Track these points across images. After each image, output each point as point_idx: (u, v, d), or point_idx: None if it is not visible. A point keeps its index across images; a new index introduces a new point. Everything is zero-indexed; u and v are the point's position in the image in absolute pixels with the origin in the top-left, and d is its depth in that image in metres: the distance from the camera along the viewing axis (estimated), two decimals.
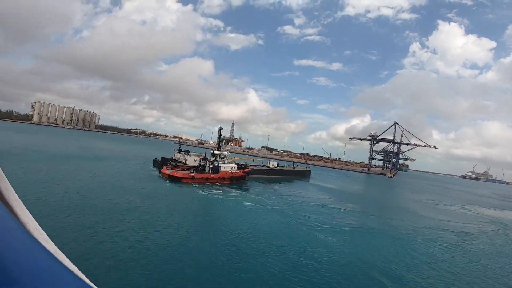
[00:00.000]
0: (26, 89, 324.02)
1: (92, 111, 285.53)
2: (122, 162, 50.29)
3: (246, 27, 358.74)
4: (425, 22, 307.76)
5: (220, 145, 43.21)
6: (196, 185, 34.50)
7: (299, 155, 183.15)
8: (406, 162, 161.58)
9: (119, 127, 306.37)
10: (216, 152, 40.68)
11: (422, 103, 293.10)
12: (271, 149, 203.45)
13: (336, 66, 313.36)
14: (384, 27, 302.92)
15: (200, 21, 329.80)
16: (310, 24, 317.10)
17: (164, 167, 39.58)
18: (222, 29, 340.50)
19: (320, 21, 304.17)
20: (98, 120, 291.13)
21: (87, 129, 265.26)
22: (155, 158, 50.72)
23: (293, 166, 67.98)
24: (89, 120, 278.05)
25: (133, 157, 63.34)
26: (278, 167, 59.41)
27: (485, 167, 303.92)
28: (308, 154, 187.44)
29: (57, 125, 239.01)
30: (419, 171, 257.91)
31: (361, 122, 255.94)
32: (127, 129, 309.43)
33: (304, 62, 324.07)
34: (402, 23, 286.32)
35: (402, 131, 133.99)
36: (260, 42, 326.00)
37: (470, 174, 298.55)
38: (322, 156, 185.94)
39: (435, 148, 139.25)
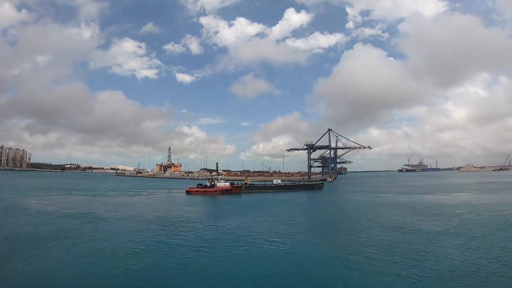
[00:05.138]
0: None
1: (23, 149, 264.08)
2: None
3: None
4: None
5: (218, 171, 65.50)
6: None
7: (239, 173, 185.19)
8: (344, 165, 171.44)
9: (52, 163, 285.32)
10: (214, 177, 62.92)
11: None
12: (211, 170, 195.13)
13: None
14: None
15: None
16: None
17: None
18: None
19: None
20: (29, 158, 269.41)
21: (18, 168, 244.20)
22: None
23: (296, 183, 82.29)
24: (19, 159, 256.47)
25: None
26: (282, 183, 73.76)
27: (419, 158, 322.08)
28: (248, 171, 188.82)
29: None
30: (358, 171, 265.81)
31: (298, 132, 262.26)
32: (61, 165, 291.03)
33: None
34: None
35: (337, 137, 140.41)
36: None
37: (406, 167, 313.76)
38: (262, 171, 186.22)
39: (370, 148, 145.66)
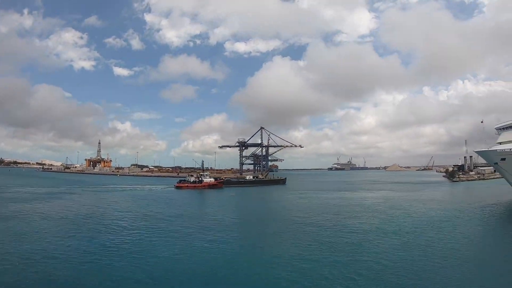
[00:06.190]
0: None
1: None
2: None
3: None
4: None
5: (204, 169, 76.57)
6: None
7: (171, 169, 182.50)
8: (276, 163, 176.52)
9: None
10: (201, 173, 73.98)
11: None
12: (142, 166, 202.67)
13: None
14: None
15: None
16: None
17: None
18: None
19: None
20: None
21: None
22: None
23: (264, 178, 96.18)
24: None
25: None
26: (254, 179, 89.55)
27: (348, 158, 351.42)
28: (180, 167, 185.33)
29: None
30: (290, 169, 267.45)
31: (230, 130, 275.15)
32: None
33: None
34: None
35: (269, 135, 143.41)
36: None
37: (335, 165, 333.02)
38: (194, 168, 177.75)
39: (301, 147, 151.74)
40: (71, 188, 71.65)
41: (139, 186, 77.26)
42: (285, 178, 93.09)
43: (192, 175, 76.89)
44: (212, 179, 75.11)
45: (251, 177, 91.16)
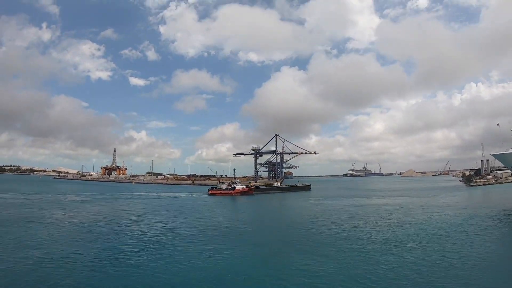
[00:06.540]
0: None
1: None
2: None
3: None
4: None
5: (235, 177, 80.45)
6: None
7: (185, 177, 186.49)
8: (291, 170, 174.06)
9: None
10: (233, 181, 77.75)
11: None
12: (157, 174, 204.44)
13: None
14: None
15: None
16: None
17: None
18: None
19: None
20: None
21: None
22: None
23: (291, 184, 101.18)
24: None
25: None
26: (282, 186, 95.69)
27: (363, 164, 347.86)
28: (194, 175, 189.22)
29: None
30: (304, 176, 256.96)
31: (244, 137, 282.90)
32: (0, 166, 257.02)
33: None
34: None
35: (283, 142, 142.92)
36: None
37: (350, 172, 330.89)
38: (208, 175, 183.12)
39: (315, 153, 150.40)
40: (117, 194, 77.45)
41: (170, 194, 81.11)
42: (310, 185, 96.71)
43: (223, 183, 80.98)
44: (244, 186, 78.83)
45: (279, 184, 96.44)
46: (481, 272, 17.09)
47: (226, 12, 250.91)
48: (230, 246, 23.76)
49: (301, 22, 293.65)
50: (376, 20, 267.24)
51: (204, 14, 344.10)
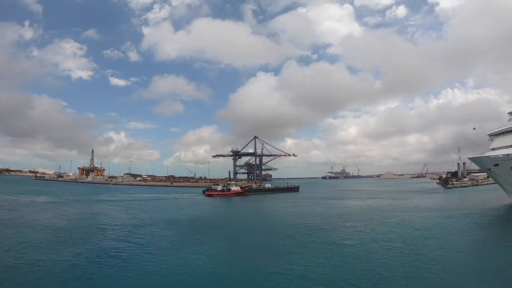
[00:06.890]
0: None
1: None
2: None
3: None
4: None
5: (230, 178, 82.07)
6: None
7: (164, 178, 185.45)
8: (270, 172, 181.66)
9: None
10: (228, 182, 79.61)
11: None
12: (135, 175, 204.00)
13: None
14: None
15: None
16: None
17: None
18: None
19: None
20: None
21: None
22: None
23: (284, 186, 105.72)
24: None
25: None
26: (272, 187, 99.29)
27: (342, 166, 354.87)
28: (173, 176, 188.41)
29: None
30: (284, 178, 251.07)
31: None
32: None
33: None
34: None
35: (262, 144, 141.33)
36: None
37: (329, 174, 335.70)
38: (187, 177, 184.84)
39: (294, 155, 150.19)
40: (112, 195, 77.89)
41: (163, 195, 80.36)
42: (298, 186, 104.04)
43: (218, 184, 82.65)
44: (239, 188, 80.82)
45: (270, 185, 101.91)
46: (456, 270, 17.64)
47: (200, 25, 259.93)
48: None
49: (271, 35, 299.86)
50: (356, 28, 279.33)
51: (178, 26, 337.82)
